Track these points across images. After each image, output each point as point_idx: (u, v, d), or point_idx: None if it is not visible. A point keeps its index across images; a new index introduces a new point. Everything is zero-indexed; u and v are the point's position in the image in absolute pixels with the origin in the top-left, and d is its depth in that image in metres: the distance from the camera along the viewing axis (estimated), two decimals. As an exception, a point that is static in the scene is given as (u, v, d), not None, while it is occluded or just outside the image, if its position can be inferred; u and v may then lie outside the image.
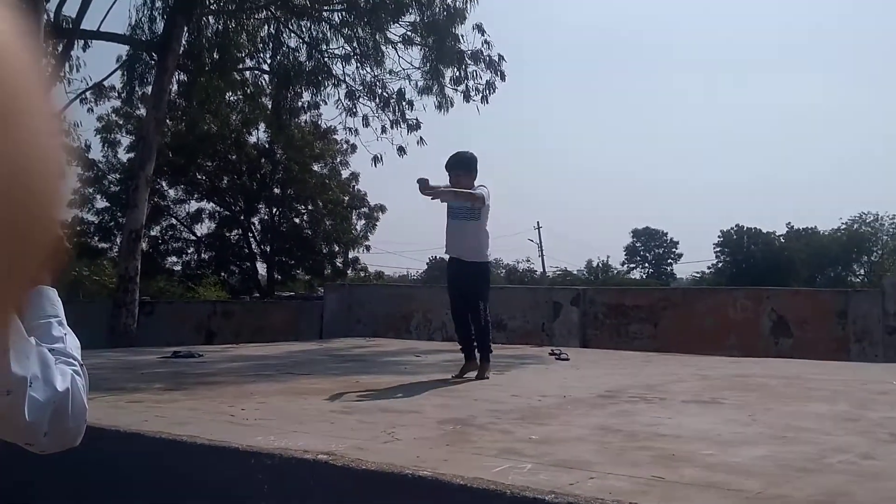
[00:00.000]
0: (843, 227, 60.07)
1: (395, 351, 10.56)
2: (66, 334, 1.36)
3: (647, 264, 77.70)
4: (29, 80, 0.30)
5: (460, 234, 7.02)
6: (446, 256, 7.32)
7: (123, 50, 16.64)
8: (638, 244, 78.23)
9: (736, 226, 65.57)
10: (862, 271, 58.71)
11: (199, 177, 30.04)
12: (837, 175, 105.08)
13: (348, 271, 31.82)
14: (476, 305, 6.93)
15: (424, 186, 6.70)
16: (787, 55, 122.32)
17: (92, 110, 20.15)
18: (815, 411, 5.17)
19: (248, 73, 18.05)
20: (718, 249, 66.31)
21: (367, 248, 32.00)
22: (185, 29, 14.90)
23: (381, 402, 5.49)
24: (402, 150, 16.87)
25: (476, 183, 7.00)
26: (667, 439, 4.08)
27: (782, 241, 62.82)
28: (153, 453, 4.00)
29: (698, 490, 2.98)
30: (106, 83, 19.15)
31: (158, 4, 15.25)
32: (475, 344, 6.98)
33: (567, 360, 9.11)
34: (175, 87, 16.51)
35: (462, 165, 7.00)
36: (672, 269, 75.86)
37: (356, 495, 3.32)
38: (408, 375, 7.32)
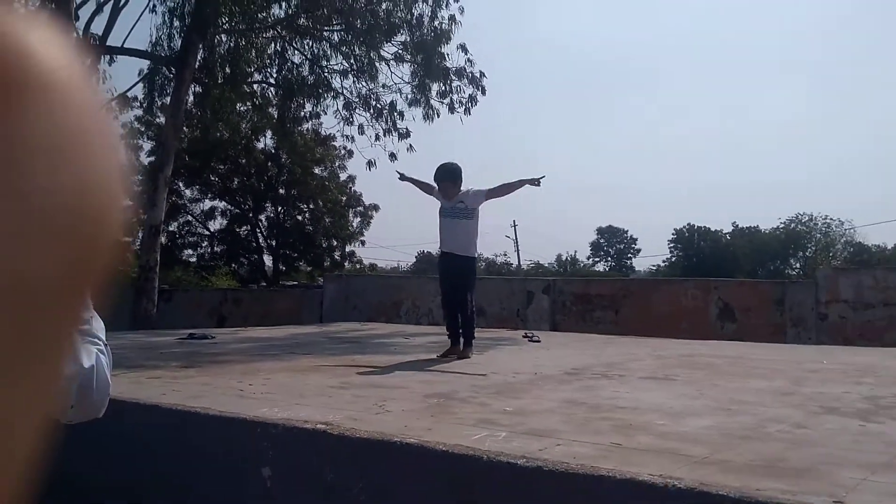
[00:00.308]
0: (782, 226, 60.37)
1: (387, 334, 10.55)
2: (92, 317, 1.36)
3: (609, 258, 77.77)
4: (92, 104, 0.30)
5: (452, 232, 7.03)
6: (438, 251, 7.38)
7: (145, 64, 16.53)
8: (602, 240, 78.35)
9: (688, 225, 65.82)
10: (798, 265, 58.96)
11: (213, 178, 29.94)
12: (777, 180, 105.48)
13: (345, 263, 31.79)
14: (464, 296, 6.94)
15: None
16: (736, 72, 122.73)
17: (117, 118, 20.06)
18: (756, 387, 5.21)
19: (256, 85, 17.95)
20: (672, 245, 66.53)
21: (363, 242, 32.05)
22: (201, 46, 14.81)
23: (374, 379, 5.49)
24: (393, 156, 16.85)
25: (464, 188, 7.06)
26: (625, 411, 4.10)
27: (728, 238, 63.03)
28: (170, 424, 3.99)
29: (652, 455, 3.00)
30: (129, 94, 19.06)
31: (176, 24, 15.14)
32: (461, 331, 7.00)
33: (538, 342, 9.13)
34: (191, 98, 16.43)
35: (448, 176, 7.04)
36: (631, 263, 76.00)
37: (350, 460, 3.32)
38: (398, 355, 7.31)
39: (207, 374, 5.59)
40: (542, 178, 7.09)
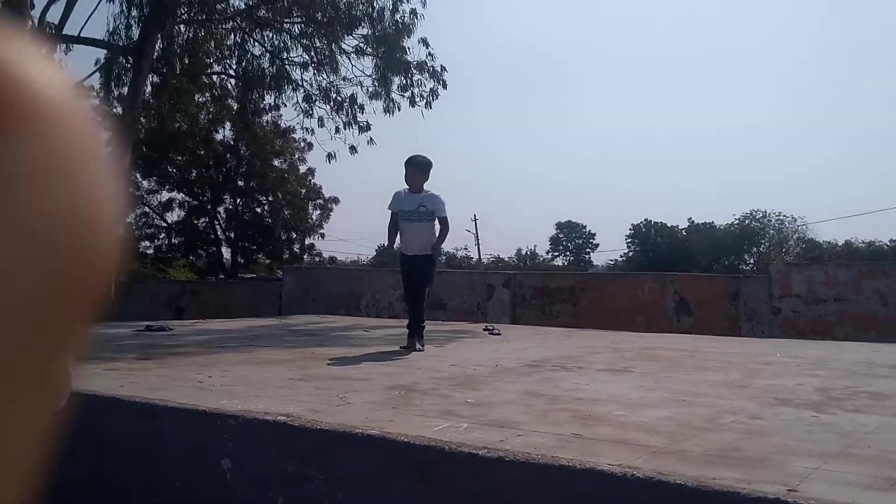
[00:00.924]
0: (736, 222, 61.25)
1: (346, 326, 10.51)
2: None
3: (568, 253, 78.25)
4: (88, 129, 0.30)
5: (413, 234, 7.04)
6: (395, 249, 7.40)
7: (101, 53, 16.20)
8: (561, 235, 78.77)
9: (645, 220, 66.41)
10: (752, 260, 59.85)
11: (171, 170, 29.51)
12: (731, 177, 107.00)
13: (304, 256, 31.61)
14: (423, 289, 7.00)
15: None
16: (685, 74, 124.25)
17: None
18: (711, 379, 5.29)
19: (215, 77, 17.72)
20: (630, 240, 67.08)
21: (322, 235, 31.79)
22: (159, 36, 14.56)
23: (335, 371, 5.47)
24: (353, 149, 16.75)
25: (426, 185, 7.07)
26: (584, 402, 4.14)
27: (684, 233, 63.75)
28: (128, 416, 3.93)
29: (611, 445, 3.03)
30: (85, 83, 18.69)
31: (134, 13, 14.86)
32: (413, 323, 7.02)
33: (499, 334, 9.16)
34: (149, 89, 16.16)
35: (419, 167, 7.07)
36: (590, 258, 76.59)
37: (312, 452, 3.31)
38: (358, 348, 7.29)
39: (165, 366, 5.52)
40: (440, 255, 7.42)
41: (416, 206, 6.99)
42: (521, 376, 5.27)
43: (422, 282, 7.03)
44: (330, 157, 17.10)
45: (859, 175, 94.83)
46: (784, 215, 60.66)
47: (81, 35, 15.14)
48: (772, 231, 61.22)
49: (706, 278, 15.29)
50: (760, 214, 61.09)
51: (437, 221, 7.07)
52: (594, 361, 6.32)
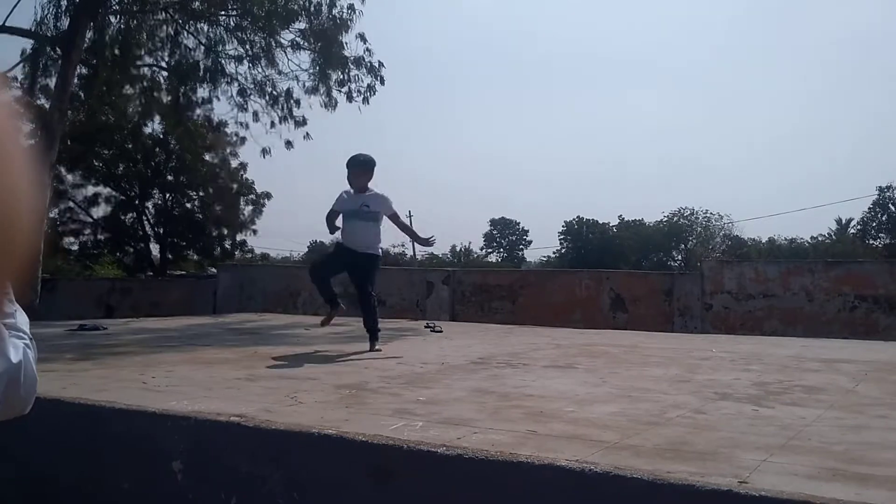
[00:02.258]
0: (665, 219, 62.70)
1: (285, 325, 10.45)
2: (16, 310, 1.31)
3: (502, 249, 78.93)
4: (6, 123, 0.32)
5: (353, 232, 6.92)
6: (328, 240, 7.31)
7: (28, 43, 15.69)
8: (495, 232, 79.36)
9: (577, 217, 67.34)
10: (680, 257, 61.35)
11: (97, 164, 28.70)
12: (662, 176, 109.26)
13: (236, 253, 31.16)
14: (366, 290, 6.87)
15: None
16: (627, 71, 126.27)
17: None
18: (653, 374, 5.43)
19: (147, 69, 17.32)
20: (562, 237, 68.02)
21: (254, 231, 31.40)
22: (90, 26, 14.17)
23: (281, 370, 5.44)
24: (289, 144, 16.62)
25: (371, 184, 7.01)
26: (534, 399, 4.21)
27: (615, 230, 64.88)
28: (73, 419, 3.85)
29: (566, 441, 3.10)
30: (10, 74, 18.05)
31: (63, 3, 14.41)
32: (333, 296, 7.08)
33: (440, 332, 9.22)
34: (76, 80, 15.71)
35: (360, 166, 7.00)
36: (523, 254, 77.36)
37: (267, 452, 3.30)
38: (300, 346, 7.26)
39: (106, 367, 5.40)
40: (431, 238, 7.50)
41: (358, 206, 6.91)
42: (468, 373, 5.32)
43: (364, 283, 6.92)
44: (265, 152, 16.94)
45: (782, 174, 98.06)
46: (711, 213, 62.42)
47: (7, 24, 14.62)
48: (699, 228, 62.85)
49: (640, 275, 15.63)
50: (688, 212, 62.70)
51: (381, 219, 7.04)
52: (538, 358, 6.41)
